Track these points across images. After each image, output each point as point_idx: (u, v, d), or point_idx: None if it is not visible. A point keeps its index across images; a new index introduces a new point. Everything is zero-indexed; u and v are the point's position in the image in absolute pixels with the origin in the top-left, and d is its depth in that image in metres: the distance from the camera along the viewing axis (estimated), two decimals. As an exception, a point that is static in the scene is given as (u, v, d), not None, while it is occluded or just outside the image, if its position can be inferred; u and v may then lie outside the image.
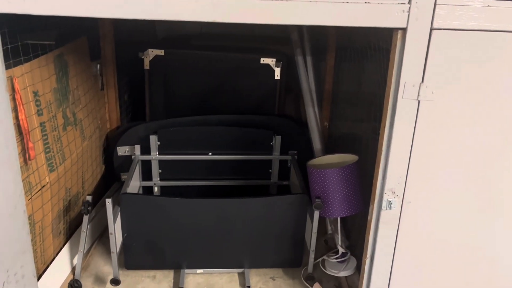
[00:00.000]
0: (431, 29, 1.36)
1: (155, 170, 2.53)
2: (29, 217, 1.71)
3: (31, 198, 1.73)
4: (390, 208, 1.56)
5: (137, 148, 2.46)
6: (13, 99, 1.57)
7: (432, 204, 1.58)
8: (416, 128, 1.49)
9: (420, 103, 1.44)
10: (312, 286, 2.07)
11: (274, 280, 2.14)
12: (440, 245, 1.64)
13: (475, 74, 1.42)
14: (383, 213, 1.58)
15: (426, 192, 1.56)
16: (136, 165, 2.40)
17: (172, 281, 2.09)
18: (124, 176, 2.58)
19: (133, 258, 2.09)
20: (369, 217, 1.64)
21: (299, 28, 2.51)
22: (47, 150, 1.85)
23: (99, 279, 2.09)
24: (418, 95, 1.43)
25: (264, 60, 2.64)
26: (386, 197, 1.56)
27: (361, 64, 2.10)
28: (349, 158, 2.04)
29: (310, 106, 2.53)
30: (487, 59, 1.41)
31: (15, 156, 1.46)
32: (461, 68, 1.41)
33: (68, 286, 1.98)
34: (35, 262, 1.67)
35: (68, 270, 2.07)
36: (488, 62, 1.41)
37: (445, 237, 1.63)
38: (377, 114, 1.79)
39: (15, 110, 1.57)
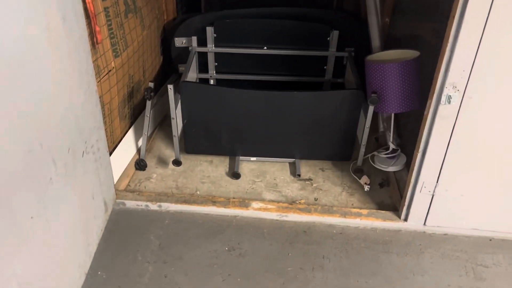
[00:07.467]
0: None
1: (211, 62, 2.58)
2: (99, 99, 1.84)
3: (100, 81, 1.84)
4: (449, 102, 1.54)
5: (194, 39, 2.49)
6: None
7: (495, 101, 1.54)
8: (488, 19, 1.40)
9: (497, -9, 1.34)
10: (360, 179, 2.16)
11: (323, 171, 2.24)
12: (496, 143, 1.63)
13: None
14: (441, 107, 1.56)
15: (490, 88, 1.51)
16: (193, 57, 2.45)
17: (228, 166, 2.25)
18: (181, 68, 2.65)
19: (193, 143, 2.24)
20: (425, 112, 1.63)
21: None
22: (112, 35, 1.92)
23: (162, 161, 2.28)
24: (496, -19, 1.32)
25: None
26: (446, 91, 1.53)
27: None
28: (410, 54, 1.97)
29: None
30: None
31: (85, 37, 1.54)
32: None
33: (135, 164, 2.18)
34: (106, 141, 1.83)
35: (133, 151, 2.27)
36: None
37: (503, 136, 1.61)
38: (445, 6, 1.69)
39: (81, -7, 1.62)
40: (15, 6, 1.12)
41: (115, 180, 2.03)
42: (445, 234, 1.89)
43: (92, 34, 1.73)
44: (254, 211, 1.95)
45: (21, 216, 1.20)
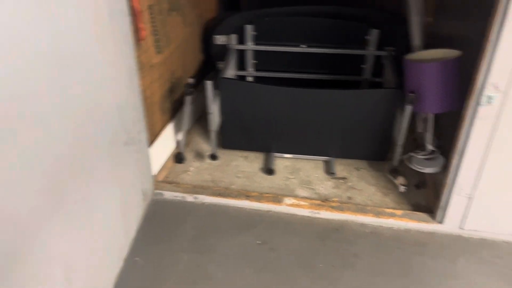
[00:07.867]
0: None
1: (250, 60, 2.62)
2: (142, 93, 1.92)
3: (142, 75, 1.92)
4: (490, 103, 1.51)
5: (233, 37, 2.54)
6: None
7: (539, 102, 1.49)
8: (534, 18, 1.36)
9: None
10: (395, 179, 2.14)
11: (358, 170, 2.23)
12: (539, 146, 1.58)
13: None
14: (480, 108, 1.53)
15: (534, 89, 1.47)
16: (232, 54, 2.50)
17: (262, 162, 2.28)
18: (220, 65, 2.70)
19: (229, 139, 2.29)
20: (464, 113, 1.60)
21: None
22: (155, 32, 2.00)
23: (199, 155, 2.34)
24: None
25: None
26: (486, 91, 1.50)
27: None
28: (452, 54, 1.93)
29: (413, -2, 2.36)
30: None
31: (130, 33, 1.62)
32: None
33: (174, 157, 2.26)
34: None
35: (172, 144, 2.34)
36: None
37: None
38: (487, 3, 1.64)
39: (127, -9, 1.69)
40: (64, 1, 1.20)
41: (154, 172, 2.11)
42: (483, 239, 1.84)
43: (136, 31, 1.81)
44: (287, 207, 1.97)
45: (67, 199, 1.28)
